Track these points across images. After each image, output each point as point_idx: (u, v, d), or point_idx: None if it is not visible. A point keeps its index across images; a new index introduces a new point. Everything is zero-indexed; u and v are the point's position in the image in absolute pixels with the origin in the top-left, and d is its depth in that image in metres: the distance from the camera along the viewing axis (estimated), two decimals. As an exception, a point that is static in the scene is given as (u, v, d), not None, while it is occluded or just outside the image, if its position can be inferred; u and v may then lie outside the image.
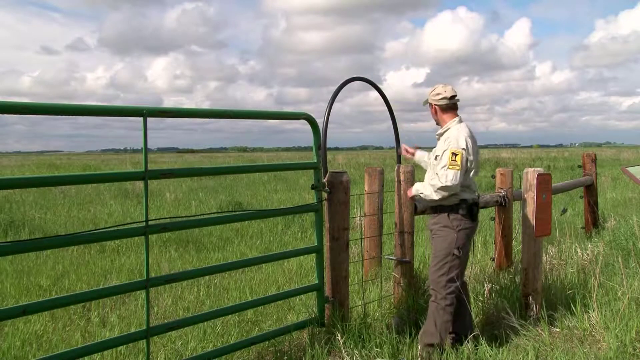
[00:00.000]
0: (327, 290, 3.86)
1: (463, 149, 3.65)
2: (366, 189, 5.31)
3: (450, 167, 3.62)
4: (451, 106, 3.84)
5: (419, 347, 3.73)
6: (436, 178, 3.71)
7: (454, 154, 3.63)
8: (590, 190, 8.43)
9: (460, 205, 3.73)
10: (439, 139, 3.88)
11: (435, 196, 3.70)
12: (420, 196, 3.88)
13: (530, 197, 4.41)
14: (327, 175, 3.84)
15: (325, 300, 3.84)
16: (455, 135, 3.72)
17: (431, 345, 3.66)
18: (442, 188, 3.65)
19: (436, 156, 3.78)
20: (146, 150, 2.88)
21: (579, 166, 8.86)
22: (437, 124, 3.94)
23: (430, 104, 3.88)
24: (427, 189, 3.77)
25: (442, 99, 3.81)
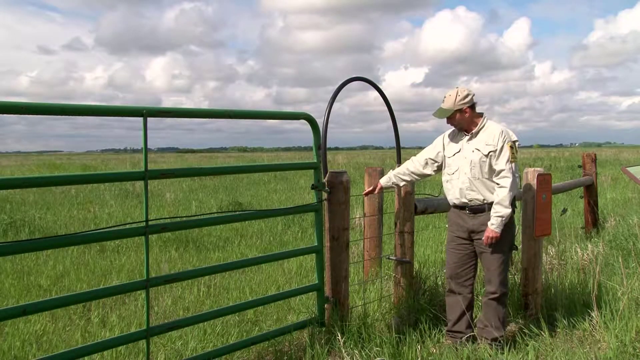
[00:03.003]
0: (327, 290, 3.86)
1: (515, 141, 3.72)
2: (366, 188, 5.30)
3: (512, 160, 3.65)
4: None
5: (484, 342, 3.75)
6: (501, 188, 3.63)
7: (512, 147, 3.68)
8: (590, 190, 8.43)
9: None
10: (470, 139, 3.78)
11: (510, 204, 3.63)
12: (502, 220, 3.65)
13: (530, 197, 4.41)
14: (327, 175, 3.83)
15: (325, 300, 3.84)
16: (501, 129, 3.72)
17: (497, 339, 3.76)
18: (512, 188, 3.63)
19: (490, 152, 3.67)
20: (146, 150, 2.88)
21: (579, 166, 8.86)
22: (463, 128, 3.81)
23: (461, 109, 3.73)
24: (501, 208, 3.62)
25: (472, 97, 3.77)
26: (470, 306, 3.90)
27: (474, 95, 3.78)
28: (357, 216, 7.29)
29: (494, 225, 3.64)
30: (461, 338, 3.85)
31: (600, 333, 3.91)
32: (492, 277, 3.79)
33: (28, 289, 5.54)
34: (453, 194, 3.85)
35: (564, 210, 8.00)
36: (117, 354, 3.60)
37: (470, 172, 3.74)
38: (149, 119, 2.86)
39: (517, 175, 3.69)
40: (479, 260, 3.93)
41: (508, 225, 3.72)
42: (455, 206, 3.88)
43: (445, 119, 3.83)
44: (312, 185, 3.77)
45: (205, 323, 3.94)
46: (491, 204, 3.69)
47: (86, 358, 3.14)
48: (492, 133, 3.72)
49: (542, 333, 3.91)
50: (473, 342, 3.81)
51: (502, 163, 3.65)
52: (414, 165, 4.04)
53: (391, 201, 6.92)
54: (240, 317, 4.35)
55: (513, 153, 3.66)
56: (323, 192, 3.79)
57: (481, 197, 3.73)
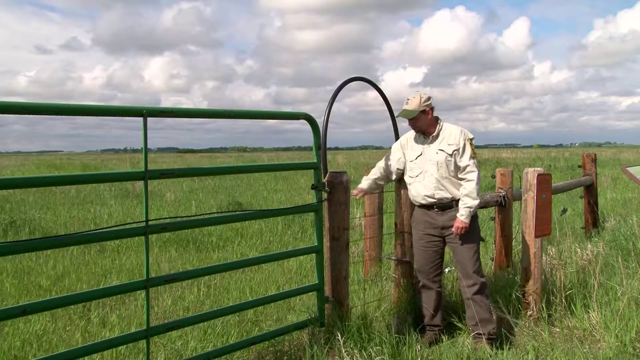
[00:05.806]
0: (327, 290, 3.86)
1: (472, 138, 3.98)
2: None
3: (474, 156, 3.92)
4: None
5: (482, 340, 3.87)
6: (468, 182, 3.86)
7: (472, 144, 3.96)
8: (590, 190, 8.43)
9: None
10: (432, 141, 3.99)
11: (478, 196, 3.86)
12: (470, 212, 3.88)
13: (530, 197, 4.41)
14: (327, 175, 3.83)
15: (325, 300, 3.84)
16: (460, 129, 3.97)
17: (491, 332, 3.90)
18: (478, 181, 3.87)
19: (454, 151, 3.91)
20: (146, 150, 2.88)
21: (579, 166, 8.86)
22: (422, 130, 4.01)
23: (424, 111, 3.94)
24: (469, 200, 3.84)
25: (431, 101, 4.00)
26: (441, 300, 4.18)
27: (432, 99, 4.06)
28: (357, 216, 7.29)
29: (463, 216, 3.86)
30: (437, 332, 4.09)
31: (600, 333, 3.91)
32: (467, 269, 3.96)
33: (28, 289, 5.54)
34: (419, 195, 4.03)
35: (564, 210, 8.00)
36: (117, 354, 3.60)
37: (437, 172, 3.94)
38: (148, 118, 2.86)
39: (478, 170, 3.93)
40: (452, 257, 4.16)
41: (475, 217, 3.97)
42: (422, 206, 4.06)
43: (407, 121, 4.03)
44: (312, 185, 3.77)
45: (205, 323, 3.94)
46: (458, 200, 3.92)
47: (86, 358, 3.14)
48: (452, 133, 3.96)
49: (542, 333, 3.91)
50: (446, 335, 4.06)
51: (466, 159, 3.89)
52: (384, 173, 4.24)
53: (391, 201, 6.93)
54: (240, 317, 4.35)
55: (473, 149, 3.93)
56: (323, 192, 3.79)
57: (449, 195, 3.95)
